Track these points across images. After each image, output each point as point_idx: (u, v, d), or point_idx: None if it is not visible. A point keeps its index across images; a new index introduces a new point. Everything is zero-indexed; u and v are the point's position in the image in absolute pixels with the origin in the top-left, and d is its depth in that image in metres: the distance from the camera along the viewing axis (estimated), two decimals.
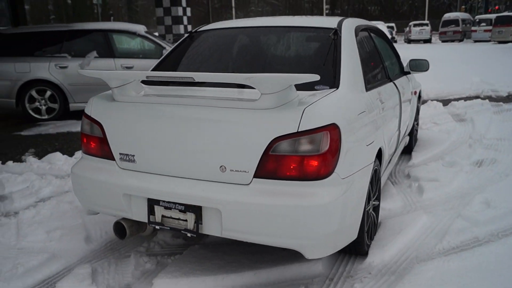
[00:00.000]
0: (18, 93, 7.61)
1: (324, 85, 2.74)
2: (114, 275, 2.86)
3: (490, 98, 8.71)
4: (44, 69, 7.49)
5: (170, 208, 2.54)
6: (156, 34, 11.83)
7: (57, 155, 5.17)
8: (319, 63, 2.98)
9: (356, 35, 3.25)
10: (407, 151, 5.22)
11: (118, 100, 2.72)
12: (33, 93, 7.68)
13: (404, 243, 3.15)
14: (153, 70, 3.39)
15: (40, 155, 5.47)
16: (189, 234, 2.52)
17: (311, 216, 2.29)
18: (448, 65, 15.08)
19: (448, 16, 35.67)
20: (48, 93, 7.72)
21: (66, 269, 2.93)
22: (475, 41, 31.84)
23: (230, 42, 3.37)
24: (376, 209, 3.23)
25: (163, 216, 2.58)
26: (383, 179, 3.71)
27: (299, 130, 2.29)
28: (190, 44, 3.54)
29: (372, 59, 3.56)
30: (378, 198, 3.23)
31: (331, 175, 2.35)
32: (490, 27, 30.08)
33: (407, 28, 38.09)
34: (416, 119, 5.41)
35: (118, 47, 8.09)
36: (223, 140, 2.39)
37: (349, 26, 3.24)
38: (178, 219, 2.54)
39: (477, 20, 32.21)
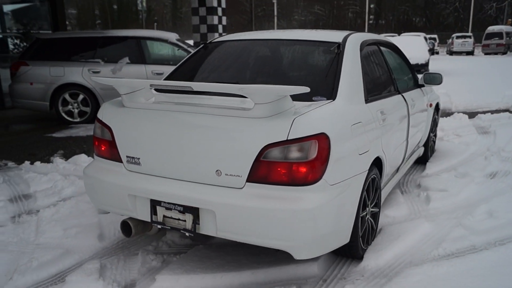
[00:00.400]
0: (52, 96, 7.99)
1: (322, 97, 2.87)
2: (122, 271, 3.05)
3: None
4: (77, 73, 7.85)
5: (170, 209, 2.72)
6: (192, 42, 12.15)
7: (82, 156, 5.44)
8: (320, 75, 3.12)
9: (361, 49, 3.36)
10: (422, 161, 5.26)
11: (127, 106, 2.92)
12: (67, 96, 8.06)
13: (400, 249, 3.23)
14: (167, 77, 3.60)
15: (67, 156, 5.77)
16: (187, 234, 2.69)
17: (298, 219, 2.42)
18: (484, 77, 14.91)
19: (492, 28, 35.10)
20: (81, 96, 8.08)
21: (77, 264, 3.13)
22: None
23: (239, 53, 3.54)
24: (375, 215, 3.32)
25: (164, 216, 2.76)
26: (389, 187, 3.80)
27: (289, 138, 2.43)
28: (203, 54, 3.73)
29: (378, 72, 3.67)
30: (377, 205, 3.33)
31: (319, 181, 2.47)
32: None
33: (450, 40, 37.58)
34: (433, 130, 5.44)
35: (149, 54, 8.38)
36: (219, 145, 2.55)
37: (354, 40, 3.36)
38: (178, 219, 2.71)
39: None
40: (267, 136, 2.46)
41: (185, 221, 2.69)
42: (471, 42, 35.30)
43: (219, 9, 12.40)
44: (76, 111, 8.18)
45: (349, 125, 2.76)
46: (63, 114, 8.14)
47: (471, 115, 8.29)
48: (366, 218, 3.12)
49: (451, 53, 35.98)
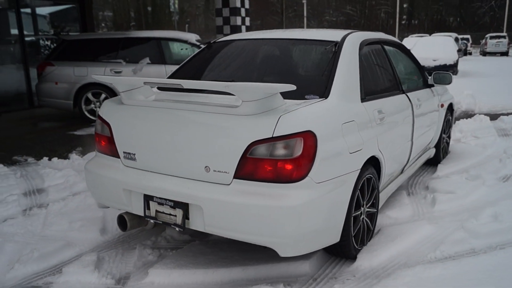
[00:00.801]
0: (75, 95, 8.21)
1: (315, 95, 2.88)
2: (118, 264, 3.13)
3: None
4: (99, 73, 8.04)
5: (162, 204, 2.78)
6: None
7: None
8: (315, 74, 3.14)
9: (360, 49, 3.36)
10: (434, 163, 5.18)
11: (125, 103, 3.00)
12: (89, 95, 8.27)
13: (397, 250, 3.20)
14: (171, 75, 3.67)
15: (85, 153, 5.93)
16: (177, 229, 2.74)
17: (282, 216, 2.45)
18: None
19: None
20: (103, 96, 8.27)
21: (77, 256, 3.23)
22: None
23: (239, 52, 3.58)
24: (372, 216, 3.30)
25: (157, 211, 2.83)
26: (391, 188, 3.77)
27: (274, 136, 2.45)
28: (206, 54, 3.78)
29: (379, 71, 3.65)
30: (375, 206, 3.31)
31: (304, 178, 2.49)
32: None
33: (483, 40, 36.66)
34: (446, 131, 5.35)
35: (169, 54, 8.52)
36: (208, 142, 2.60)
37: (353, 40, 3.36)
38: (169, 214, 2.77)
39: None
40: (253, 133, 2.49)
41: (176, 216, 2.74)
42: (505, 42, 34.32)
43: (243, 10, 12.47)
44: (98, 110, 8.37)
45: (339, 123, 2.76)
46: (86, 113, 8.35)
47: (494, 117, 8.08)
48: (361, 218, 3.11)
49: (484, 53, 35.10)
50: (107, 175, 3.02)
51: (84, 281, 2.90)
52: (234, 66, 3.47)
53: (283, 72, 3.27)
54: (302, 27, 51.74)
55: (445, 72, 4.55)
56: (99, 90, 8.24)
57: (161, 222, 2.82)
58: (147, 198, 2.84)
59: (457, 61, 16.10)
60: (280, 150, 2.47)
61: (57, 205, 4.02)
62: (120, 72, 8.12)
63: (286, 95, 2.73)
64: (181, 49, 8.50)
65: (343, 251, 3.01)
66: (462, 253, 3.12)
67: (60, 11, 12.81)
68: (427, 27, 63.04)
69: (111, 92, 8.21)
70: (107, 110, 3.10)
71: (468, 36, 38.29)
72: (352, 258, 3.07)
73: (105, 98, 8.28)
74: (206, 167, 2.63)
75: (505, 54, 34.34)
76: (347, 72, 3.09)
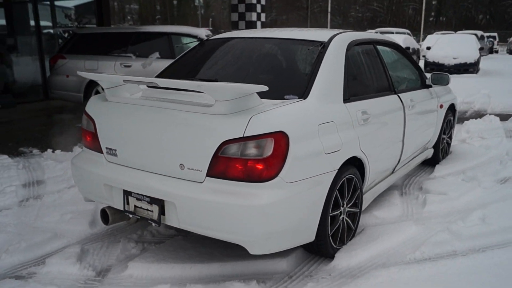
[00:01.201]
0: (86, 88, 8.33)
1: (294, 95, 2.90)
2: (101, 257, 3.21)
3: None
4: (110, 67, 8.15)
5: (140, 200, 2.84)
6: None
7: None
8: (297, 74, 3.15)
9: (348, 49, 3.35)
10: (432, 163, 5.13)
11: (109, 100, 3.07)
12: (99, 88, 8.38)
13: (377, 251, 3.20)
14: (162, 72, 3.72)
15: None
16: (153, 224, 2.80)
17: (251, 215, 2.48)
18: None
19: None
20: None
21: (64, 247, 3.31)
22: None
23: (228, 51, 3.62)
24: (354, 215, 3.31)
25: (135, 206, 2.89)
26: (379, 188, 3.77)
27: (245, 135, 2.48)
28: (197, 51, 3.83)
29: (368, 72, 3.64)
30: (357, 206, 3.31)
31: (274, 178, 2.52)
32: None
33: (510, 39, 35.84)
34: (446, 132, 5.29)
35: (178, 49, 8.58)
36: (183, 140, 2.65)
37: (340, 40, 3.36)
38: (147, 209, 2.83)
39: None
40: (225, 132, 2.52)
41: (152, 211, 2.80)
42: None
43: (258, 6, 12.46)
44: None
45: (316, 124, 2.77)
46: None
47: (506, 117, 7.93)
48: (340, 218, 3.12)
49: (511, 52, 34.32)
50: (90, 170, 3.09)
51: (65, 272, 2.99)
52: (221, 65, 3.50)
53: (267, 71, 3.29)
54: (326, 23, 51.30)
55: (442, 73, 4.52)
56: None
57: (139, 217, 2.88)
58: (126, 194, 2.90)
59: (478, 59, 15.82)
60: (250, 150, 2.50)
61: (52, 197, 4.13)
62: (129, 66, 8.21)
63: (265, 95, 2.75)
64: (185, 43, 8.55)
65: (320, 250, 3.03)
66: (443, 255, 3.11)
67: (80, 4, 13.04)
68: (455, 24, 61.73)
69: None
70: (92, 106, 3.17)
71: (495, 34, 37.46)
72: (330, 257, 3.09)
73: None
74: (181, 164, 2.67)
75: None
76: (330, 73, 3.09)
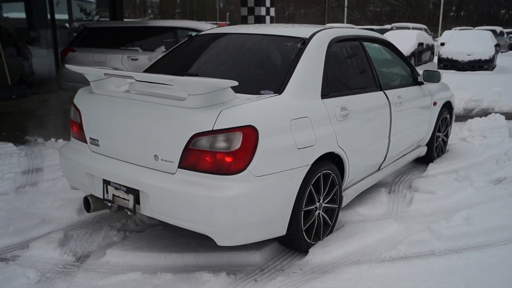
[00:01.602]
0: None
1: (270, 90, 2.94)
2: (84, 243, 3.31)
3: None
4: (117, 60, 8.27)
5: (118, 189, 2.93)
6: None
7: None
8: (275, 70, 3.19)
9: (329, 46, 3.38)
10: (426, 162, 5.12)
11: (94, 92, 3.16)
12: None
13: (353, 248, 3.23)
14: (151, 66, 3.80)
15: None
16: (129, 213, 2.89)
17: (218, 207, 2.55)
18: None
19: None
20: None
21: (50, 233, 3.42)
22: None
23: (214, 46, 3.68)
24: (332, 211, 3.34)
25: (114, 195, 2.98)
26: (363, 185, 3.79)
27: (214, 129, 2.54)
28: (185, 47, 3.90)
29: (352, 68, 3.66)
30: (336, 202, 3.34)
31: (242, 171, 2.57)
32: None
33: None
34: (442, 130, 5.26)
35: None
36: (157, 132, 2.72)
37: (322, 37, 3.38)
38: (124, 198, 2.92)
39: None
40: (196, 126, 2.59)
41: (128, 200, 2.89)
42: None
43: (267, 1, 12.46)
44: None
45: (288, 119, 2.81)
46: None
47: None
48: (316, 213, 3.16)
49: None
50: (75, 159, 3.20)
51: (46, 256, 3.10)
52: (205, 60, 3.57)
53: (247, 67, 3.33)
54: (342, 17, 50.88)
55: (434, 70, 4.51)
56: None
57: (117, 206, 2.97)
58: (106, 183, 3.00)
59: (494, 56, 15.51)
60: (219, 143, 2.56)
61: (46, 184, 4.26)
62: (136, 59, 8.33)
63: (242, 89, 2.83)
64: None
65: (293, 244, 3.07)
66: (420, 254, 3.12)
67: None
68: (475, 19, 60.54)
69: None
70: (79, 97, 3.27)
71: None
72: (304, 251, 3.13)
73: None
74: (155, 156, 2.75)
75: None
76: (308, 69, 3.13)
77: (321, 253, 3.12)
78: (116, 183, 2.92)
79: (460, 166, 5.01)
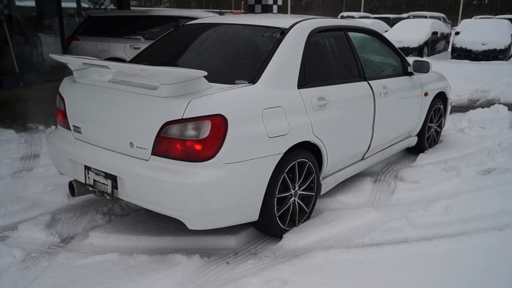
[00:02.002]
0: None
1: (244, 80, 3.03)
2: (70, 226, 3.46)
3: None
4: (120, 49, 8.42)
5: (98, 174, 3.06)
6: None
7: None
8: (252, 60, 3.27)
9: (310, 36, 3.44)
10: (417, 152, 5.15)
11: (77, 81, 3.28)
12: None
13: (328, 234, 3.32)
14: (136, 56, 3.90)
15: None
16: (108, 197, 3.02)
17: (187, 192, 2.66)
18: None
19: None
20: None
21: (39, 215, 3.58)
22: None
23: (196, 36, 3.77)
24: (309, 199, 3.43)
25: (94, 180, 3.11)
26: (344, 174, 3.86)
27: (184, 117, 2.65)
28: (171, 37, 4.00)
29: (334, 59, 3.71)
30: (313, 189, 3.42)
31: (211, 159, 2.68)
32: None
33: None
34: (434, 121, 5.27)
35: None
36: (132, 120, 2.84)
37: (302, 27, 3.45)
38: (103, 183, 3.05)
39: None
40: (167, 114, 2.70)
41: (107, 185, 3.02)
42: None
43: None
44: None
45: (260, 109, 2.90)
46: None
47: None
48: (291, 200, 3.25)
49: None
50: (59, 146, 3.33)
51: (33, 237, 3.26)
52: (186, 50, 3.66)
53: (225, 56, 3.40)
54: (359, 6, 50.27)
55: (424, 60, 4.52)
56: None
57: (97, 190, 3.10)
58: (87, 168, 3.13)
59: (510, 46, 15.25)
60: (188, 131, 2.66)
61: (41, 169, 4.42)
62: (138, 48, 8.44)
63: (218, 79, 2.95)
64: None
65: (267, 229, 3.17)
66: (392, 241, 3.19)
67: None
68: (500, 8, 59.25)
69: None
70: (64, 86, 3.40)
71: None
72: (278, 237, 3.23)
73: None
74: (130, 143, 2.87)
75: None
76: (285, 59, 3.20)
77: (295, 238, 3.22)
78: (96, 169, 3.05)
79: (451, 157, 5.04)
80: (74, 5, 12.03)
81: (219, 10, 32.96)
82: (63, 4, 10.94)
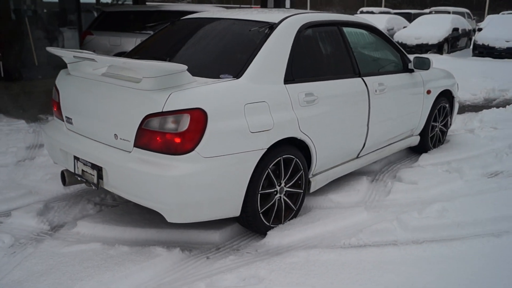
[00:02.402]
0: None
1: (229, 75, 3.03)
2: (61, 214, 3.53)
3: None
4: (131, 43, 8.48)
5: (85, 165, 3.11)
6: None
7: None
8: (240, 54, 3.25)
9: (300, 31, 3.41)
10: (420, 152, 5.05)
11: (71, 74, 3.34)
12: None
13: (314, 233, 3.28)
14: (132, 50, 3.94)
15: None
16: (93, 187, 3.07)
17: (165, 185, 2.69)
18: None
19: None
20: None
21: (34, 203, 3.66)
22: None
23: (188, 30, 3.79)
24: (296, 196, 3.41)
25: (82, 170, 3.16)
26: (337, 171, 3.81)
27: (164, 110, 2.67)
28: (165, 31, 4.03)
29: (325, 54, 3.67)
30: (300, 187, 3.40)
31: (190, 152, 2.69)
32: None
33: None
34: (439, 120, 5.15)
35: None
36: (117, 112, 2.88)
37: (292, 22, 3.42)
38: (90, 173, 3.10)
39: None
40: (148, 107, 2.72)
41: (93, 176, 3.07)
42: None
43: None
44: None
45: (242, 103, 2.89)
46: None
47: None
48: (277, 196, 3.23)
49: None
50: (53, 136, 3.41)
51: (25, 224, 3.34)
52: (177, 44, 3.68)
53: (213, 51, 3.38)
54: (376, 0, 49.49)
55: (424, 57, 4.40)
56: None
57: (85, 180, 3.16)
58: (76, 159, 3.19)
59: None
60: (168, 124, 2.68)
61: (42, 159, 4.51)
62: None
63: (202, 73, 2.98)
64: None
65: (250, 225, 3.17)
66: (380, 244, 3.13)
67: None
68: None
69: None
70: (59, 78, 3.47)
71: None
72: (262, 233, 3.22)
73: None
74: (115, 134, 2.91)
75: None
76: (272, 54, 3.18)
77: (279, 236, 3.20)
78: (83, 160, 3.11)
79: (455, 158, 4.92)
80: (93, 0, 12.21)
81: (238, 6, 33.00)
82: (84, 0, 11.11)
